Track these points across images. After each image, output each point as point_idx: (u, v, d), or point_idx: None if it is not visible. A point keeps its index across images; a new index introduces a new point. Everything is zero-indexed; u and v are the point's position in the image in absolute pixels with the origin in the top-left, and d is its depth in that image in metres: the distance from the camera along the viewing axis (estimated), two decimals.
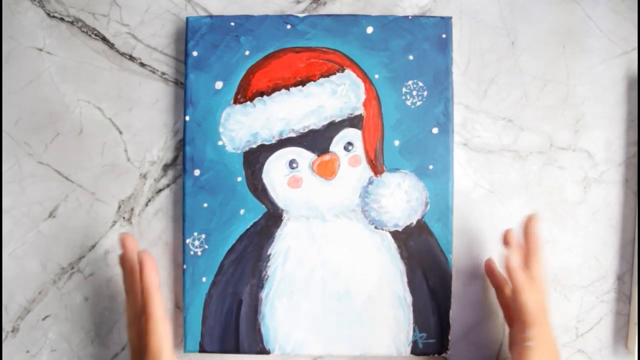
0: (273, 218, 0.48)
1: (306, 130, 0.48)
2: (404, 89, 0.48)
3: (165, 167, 0.51)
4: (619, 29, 0.50)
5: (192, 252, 0.48)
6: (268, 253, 0.48)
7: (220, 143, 0.48)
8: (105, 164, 0.51)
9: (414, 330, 0.48)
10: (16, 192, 0.51)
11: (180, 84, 0.51)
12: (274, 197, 0.48)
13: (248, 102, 0.48)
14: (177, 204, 0.51)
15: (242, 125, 0.48)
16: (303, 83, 0.48)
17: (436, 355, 0.48)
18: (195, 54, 0.49)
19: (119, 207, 0.51)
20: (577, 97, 0.50)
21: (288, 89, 0.48)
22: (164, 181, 0.51)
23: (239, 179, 0.48)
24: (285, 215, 0.48)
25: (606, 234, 0.50)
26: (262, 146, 0.48)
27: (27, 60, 0.52)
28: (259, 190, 0.48)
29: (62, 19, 0.52)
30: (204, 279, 0.48)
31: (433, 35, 0.48)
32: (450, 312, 0.48)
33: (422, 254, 0.48)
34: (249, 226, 0.48)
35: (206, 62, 0.48)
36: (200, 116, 0.48)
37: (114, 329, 0.51)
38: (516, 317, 0.42)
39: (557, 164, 0.50)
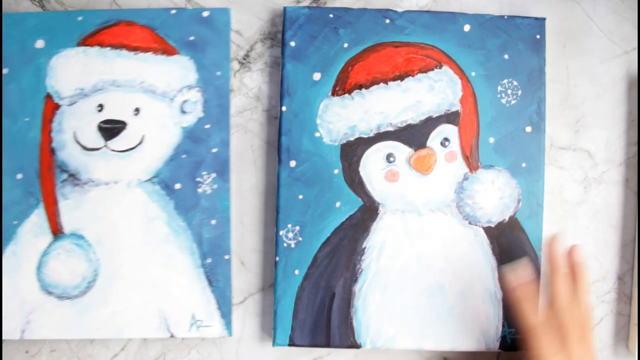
0: (369, 211, 0.48)
1: (404, 124, 0.48)
2: (499, 88, 0.49)
3: None
4: (619, 29, 0.51)
5: (285, 245, 0.48)
6: (363, 246, 0.48)
7: (317, 135, 0.48)
8: None
9: (503, 326, 0.48)
10: None
11: None
12: (370, 190, 0.48)
13: (346, 95, 0.48)
14: None
15: (340, 118, 0.48)
16: (401, 78, 0.48)
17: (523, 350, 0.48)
18: (293, 44, 0.48)
19: None
20: (577, 97, 0.51)
21: (386, 83, 0.48)
22: None
23: (336, 171, 0.48)
24: (381, 209, 0.48)
25: (606, 234, 0.51)
26: (359, 139, 0.48)
27: None
28: (356, 183, 0.48)
29: None
30: (296, 272, 0.47)
31: (527, 36, 0.49)
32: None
33: (513, 250, 0.48)
34: (344, 219, 0.48)
35: (304, 52, 0.48)
36: (297, 107, 0.48)
37: None
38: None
39: (557, 164, 0.51)
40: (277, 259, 0.48)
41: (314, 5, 0.51)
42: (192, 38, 0.49)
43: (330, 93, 0.48)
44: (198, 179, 0.49)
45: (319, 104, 0.48)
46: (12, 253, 0.49)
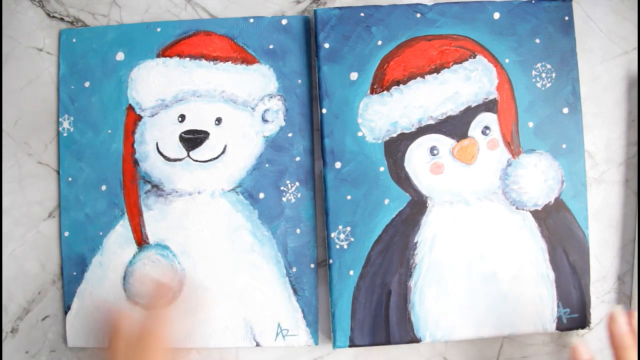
0: (418, 205, 0.48)
1: (444, 116, 0.48)
2: (533, 72, 0.49)
3: None
4: (619, 29, 0.52)
5: (337, 246, 0.48)
6: (415, 241, 0.48)
7: (359, 134, 0.48)
8: None
9: (558, 306, 0.49)
10: (16, 192, 0.51)
11: None
12: (417, 185, 0.48)
13: (385, 92, 0.48)
14: None
15: (380, 115, 0.48)
16: (437, 70, 0.49)
17: (579, 329, 0.49)
18: (327, 45, 0.48)
19: None
20: None
21: (423, 77, 0.48)
22: None
23: (382, 168, 0.48)
24: (429, 202, 0.48)
25: (606, 234, 0.51)
26: (402, 135, 0.48)
27: (27, 60, 0.51)
28: (402, 179, 0.48)
29: (62, 19, 0.51)
30: (351, 272, 0.48)
31: (556, 18, 0.49)
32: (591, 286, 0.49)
33: (561, 230, 0.49)
34: (394, 215, 0.48)
35: (339, 53, 0.48)
36: (337, 108, 0.48)
37: None
38: None
39: None
40: (331, 261, 0.48)
41: (313, 5, 0.51)
42: (271, 46, 0.49)
43: (368, 91, 0.48)
44: (282, 188, 0.49)
45: (359, 103, 0.48)
46: (98, 264, 0.49)
